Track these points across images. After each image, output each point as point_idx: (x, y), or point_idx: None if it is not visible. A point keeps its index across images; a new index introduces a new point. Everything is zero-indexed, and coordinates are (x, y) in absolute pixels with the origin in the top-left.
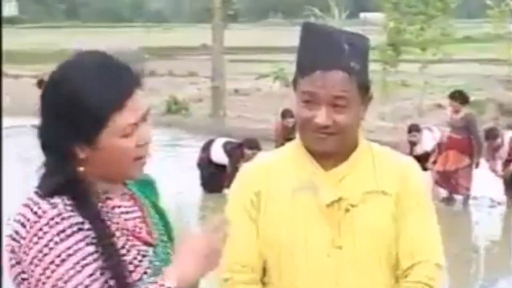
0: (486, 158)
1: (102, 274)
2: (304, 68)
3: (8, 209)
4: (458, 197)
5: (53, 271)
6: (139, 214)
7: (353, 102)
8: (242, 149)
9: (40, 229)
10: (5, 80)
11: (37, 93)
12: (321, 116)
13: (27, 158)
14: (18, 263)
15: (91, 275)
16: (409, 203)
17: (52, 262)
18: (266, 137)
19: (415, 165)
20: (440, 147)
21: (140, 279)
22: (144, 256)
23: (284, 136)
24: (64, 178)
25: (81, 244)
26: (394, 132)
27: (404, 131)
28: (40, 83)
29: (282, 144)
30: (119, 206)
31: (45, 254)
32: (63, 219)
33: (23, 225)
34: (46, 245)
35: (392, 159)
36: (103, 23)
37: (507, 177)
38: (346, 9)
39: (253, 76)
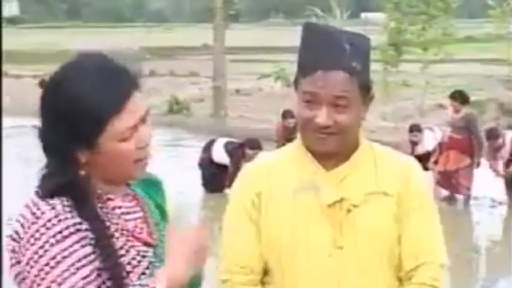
0: (488, 158)
1: (99, 275)
2: (305, 68)
3: (8, 209)
4: (459, 197)
5: (47, 273)
6: (140, 214)
7: (354, 102)
8: (244, 149)
9: (37, 230)
10: (6, 80)
11: (38, 93)
12: (322, 116)
13: (27, 158)
14: (18, 262)
15: (85, 277)
16: (412, 204)
17: (47, 264)
18: (267, 137)
19: (417, 165)
20: (441, 147)
21: (138, 279)
22: (143, 256)
23: (285, 137)
24: (64, 179)
25: (77, 246)
26: (395, 132)
27: (405, 131)
28: (42, 84)
29: (283, 145)
30: (120, 207)
31: (41, 256)
32: (59, 220)
33: (22, 226)
34: (41, 247)
35: (393, 159)
36: (104, 23)
37: (509, 177)
38: (348, 9)
39: (255, 76)
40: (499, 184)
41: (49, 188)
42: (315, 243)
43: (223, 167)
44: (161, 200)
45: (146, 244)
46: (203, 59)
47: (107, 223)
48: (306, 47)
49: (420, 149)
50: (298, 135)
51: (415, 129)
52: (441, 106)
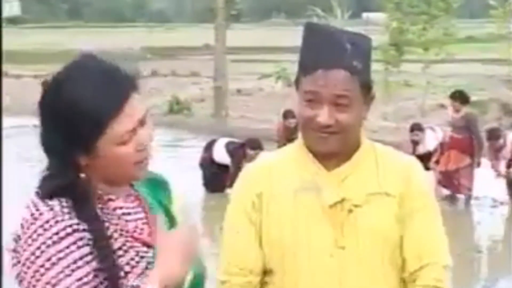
0: (489, 158)
1: (96, 276)
2: (306, 67)
3: (8, 209)
4: (460, 197)
5: (42, 274)
6: (142, 215)
7: (355, 101)
8: (244, 149)
9: (35, 231)
10: (7, 80)
11: (39, 93)
12: (323, 115)
13: (27, 158)
14: (19, 262)
15: (80, 279)
16: (415, 204)
17: (42, 266)
18: (268, 137)
19: (418, 165)
20: (443, 147)
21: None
22: (142, 257)
23: (286, 137)
24: (64, 181)
25: (73, 247)
26: (396, 132)
27: (406, 131)
28: (44, 84)
29: (284, 145)
30: (121, 208)
31: (37, 257)
32: (57, 222)
33: (22, 226)
34: (38, 248)
35: (395, 159)
36: (105, 23)
37: (511, 177)
38: (349, 9)
39: (256, 76)
40: (500, 184)
41: (49, 189)
42: (316, 243)
43: (224, 167)
44: (166, 200)
45: (146, 244)
46: (204, 59)
47: (107, 224)
48: (307, 47)
49: (421, 149)
50: (299, 135)
51: (416, 128)
52: (442, 106)
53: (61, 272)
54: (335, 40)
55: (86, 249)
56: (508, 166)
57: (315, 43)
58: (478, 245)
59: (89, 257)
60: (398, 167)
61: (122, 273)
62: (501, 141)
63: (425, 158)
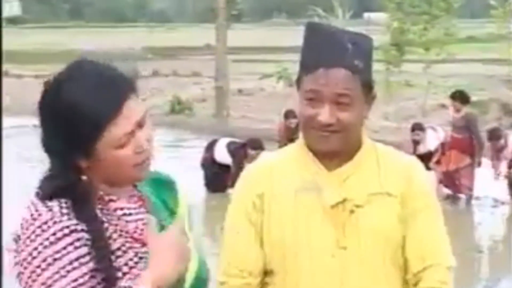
0: (490, 158)
1: (93, 277)
2: (307, 66)
3: (8, 209)
4: (462, 197)
5: (38, 275)
6: (144, 215)
7: (356, 100)
8: (246, 149)
9: (33, 232)
10: (8, 80)
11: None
12: (324, 114)
13: (27, 158)
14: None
15: (75, 280)
16: (417, 205)
17: (38, 266)
18: (269, 137)
19: (419, 164)
20: (444, 147)
21: None
22: (141, 258)
23: (287, 137)
24: (65, 182)
25: (70, 248)
26: (397, 132)
27: (407, 131)
28: (45, 85)
29: (286, 145)
30: (122, 208)
31: (34, 257)
32: (55, 222)
33: (22, 226)
34: (35, 248)
35: (396, 159)
36: (106, 23)
37: None
38: (350, 9)
39: (257, 76)
40: (501, 184)
41: (49, 190)
42: (318, 244)
43: (225, 167)
44: (172, 200)
45: (146, 245)
46: (206, 59)
47: (106, 225)
48: (308, 46)
49: (422, 149)
50: (301, 135)
51: (417, 128)
52: (443, 106)
53: (57, 272)
54: (336, 40)
55: (84, 250)
56: (510, 167)
57: (316, 43)
58: (479, 245)
59: (86, 258)
60: (400, 167)
61: (120, 274)
62: (502, 141)
63: (425, 158)
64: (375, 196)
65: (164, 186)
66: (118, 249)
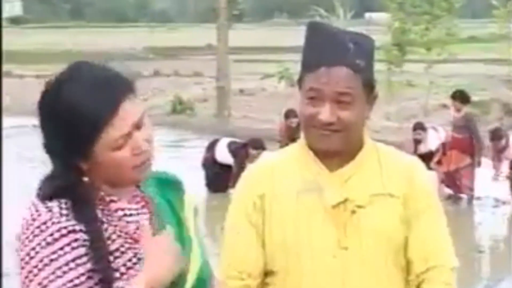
0: (492, 158)
1: (90, 277)
2: (309, 65)
3: (8, 209)
4: (463, 197)
5: (35, 275)
6: (145, 217)
7: (357, 99)
8: (247, 149)
9: (32, 232)
10: (9, 80)
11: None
12: (325, 113)
13: (27, 158)
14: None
15: (71, 280)
16: (420, 205)
17: (35, 266)
18: (271, 137)
19: (421, 165)
20: (445, 147)
21: None
22: (140, 258)
23: (288, 137)
24: (65, 182)
25: (68, 248)
26: (399, 132)
27: (409, 131)
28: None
29: (287, 145)
30: (123, 209)
31: (31, 258)
32: (53, 223)
33: (22, 227)
34: (33, 249)
35: (398, 159)
36: (107, 23)
37: None
38: (351, 9)
39: (258, 76)
40: (502, 184)
41: (49, 191)
42: (319, 244)
43: (227, 167)
44: (177, 200)
45: None
46: (207, 59)
47: (105, 225)
48: (310, 45)
49: (423, 148)
50: (302, 135)
51: (418, 127)
52: (444, 106)
53: (53, 273)
54: (338, 39)
55: (81, 251)
56: (511, 167)
57: (318, 42)
58: (480, 245)
59: (83, 259)
60: (401, 167)
61: (117, 275)
62: (503, 141)
63: (426, 158)
64: (377, 197)
65: (169, 186)
66: (117, 249)
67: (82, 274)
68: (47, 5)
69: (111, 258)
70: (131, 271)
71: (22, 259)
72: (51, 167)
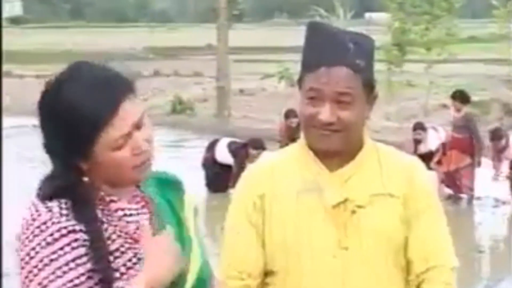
0: (492, 158)
1: (90, 277)
2: (309, 65)
3: (8, 209)
4: (463, 197)
5: (35, 275)
6: (145, 217)
7: (357, 99)
8: (247, 149)
9: (32, 232)
10: (10, 80)
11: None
12: (325, 113)
13: (27, 158)
14: None
15: (71, 280)
16: (419, 205)
17: (35, 266)
18: (271, 137)
19: (421, 165)
20: (445, 147)
21: None
22: (140, 258)
23: (289, 136)
24: (65, 182)
25: (68, 249)
26: (399, 132)
27: (409, 131)
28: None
29: (287, 145)
30: (123, 209)
31: (31, 258)
32: (53, 223)
33: (22, 227)
34: (33, 249)
35: (397, 159)
36: (107, 23)
37: None
38: (351, 9)
39: (258, 76)
40: (502, 184)
41: (49, 191)
42: (319, 244)
43: (227, 167)
44: (177, 200)
45: None
46: (207, 59)
47: (105, 225)
48: (310, 45)
49: (423, 148)
50: (302, 135)
51: (418, 127)
52: (444, 106)
53: (53, 273)
54: (338, 39)
55: (81, 251)
56: (511, 167)
57: (318, 42)
58: (480, 245)
59: (83, 259)
60: (401, 167)
61: (117, 274)
62: (503, 141)
63: (426, 158)
64: (377, 197)
65: (170, 186)
66: (117, 249)
67: (82, 274)
68: (47, 5)
69: (111, 258)
70: (131, 271)
71: (22, 259)
72: (51, 167)
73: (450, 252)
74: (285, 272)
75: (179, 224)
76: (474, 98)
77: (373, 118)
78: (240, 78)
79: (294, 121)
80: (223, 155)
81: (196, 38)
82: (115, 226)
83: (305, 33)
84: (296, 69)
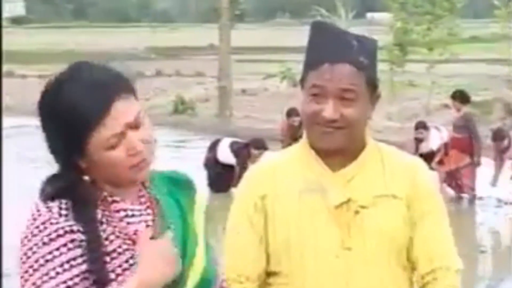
0: (494, 159)
1: (86, 278)
2: (312, 63)
3: (7, 209)
4: (465, 197)
5: (30, 275)
6: (148, 218)
7: (361, 97)
8: (249, 149)
9: (31, 232)
10: (12, 80)
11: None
12: (329, 110)
13: (27, 158)
14: None
15: (64, 281)
16: (424, 207)
17: (31, 266)
18: (272, 137)
19: (424, 165)
20: (447, 147)
21: None
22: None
23: (291, 135)
24: (66, 182)
25: (64, 249)
26: (401, 132)
27: (411, 131)
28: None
29: (290, 144)
30: (125, 210)
31: (28, 257)
32: (51, 223)
33: (24, 226)
34: (30, 248)
35: (400, 159)
36: (110, 23)
37: None
38: (353, 9)
39: (260, 76)
40: (504, 184)
41: (51, 190)
42: (322, 244)
43: (228, 167)
44: (186, 199)
45: None
46: (209, 59)
47: (104, 226)
48: (313, 44)
49: (424, 148)
50: (304, 135)
51: (420, 126)
52: (446, 106)
53: (47, 274)
54: (342, 37)
55: (78, 251)
56: None
57: (321, 40)
58: (482, 245)
59: (79, 260)
60: (404, 168)
61: (113, 276)
62: (505, 142)
63: (428, 157)
64: (380, 198)
65: (180, 185)
66: (114, 250)
67: (77, 276)
68: (50, 5)
69: (108, 259)
70: (127, 272)
71: (20, 258)
72: (55, 167)
73: (455, 253)
74: (288, 272)
75: (185, 224)
76: (476, 98)
77: (375, 118)
78: (242, 78)
79: (296, 120)
80: (225, 155)
81: (198, 38)
82: (115, 226)
83: (309, 33)
84: (298, 69)
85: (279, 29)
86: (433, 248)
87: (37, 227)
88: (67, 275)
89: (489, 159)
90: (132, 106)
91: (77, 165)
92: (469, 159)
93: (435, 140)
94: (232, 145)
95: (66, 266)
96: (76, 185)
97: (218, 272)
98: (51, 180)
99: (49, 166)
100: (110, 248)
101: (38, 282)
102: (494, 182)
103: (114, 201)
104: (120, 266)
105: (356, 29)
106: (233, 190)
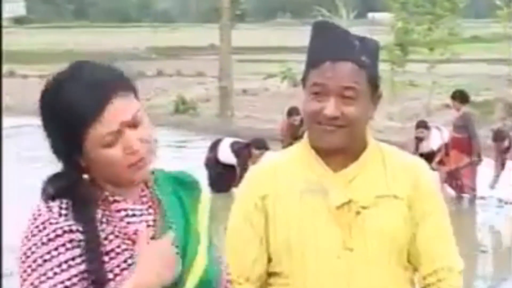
0: (495, 158)
1: (84, 278)
2: (313, 61)
3: (7, 209)
4: (466, 197)
5: (29, 275)
6: (149, 218)
7: (362, 95)
8: (250, 149)
9: (31, 232)
10: (13, 80)
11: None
12: (330, 107)
13: (27, 158)
14: None
15: (62, 282)
16: (426, 207)
17: (30, 266)
18: (273, 137)
19: (425, 165)
20: (447, 147)
21: None
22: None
23: (291, 135)
24: (66, 181)
25: (62, 249)
26: (402, 132)
27: (412, 131)
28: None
29: (290, 144)
30: (126, 209)
31: (27, 257)
32: (51, 223)
33: (24, 226)
34: (29, 248)
35: (402, 159)
36: (111, 23)
37: None
38: (354, 9)
39: (261, 76)
40: (505, 184)
41: (52, 190)
42: (323, 245)
43: (229, 167)
44: (190, 199)
45: None
46: (210, 59)
47: (104, 226)
48: (315, 43)
49: (425, 147)
50: (305, 135)
51: (421, 125)
52: (447, 106)
53: (44, 274)
54: (344, 37)
55: (76, 251)
56: None
57: (323, 39)
58: (483, 245)
59: (77, 260)
60: (406, 168)
61: (111, 275)
62: (506, 142)
63: (428, 157)
64: (381, 199)
65: (185, 185)
66: (112, 250)
67: (75, 276)
68: (51, 5)
69: (106, 258)
70: (124, 272)
71: (20, 258)
72: (56, 167)
73: (456, 254)
74: (289, 273)
75: (187, 224)
76: (477, 98)
77: (376, 118)
78: (243, 78)
79: (296, 119)
80: (226, 155)
81: (199, 38)
82: (114, 226)
83: (311, 32)
84: (299, 69)
85: (279, 29)
86: (435, 249)
87: (37, 227)
88: (65, 275)
89: (490, 160)
90: (131, 105)
91: (78, 163)
92: (468, 159)
93: (435, 140)
94: (233, 145)
95: (64, 266)
96: (77, 185)
97: (222, 272)
98: (52, 179)
99: (51, 166)
100: (108, 248)
101: (36, 282)
102: (494, 183)
103: (115, 201)
104: (118, 266)
105: (357, 29)
106: (234, 190)
